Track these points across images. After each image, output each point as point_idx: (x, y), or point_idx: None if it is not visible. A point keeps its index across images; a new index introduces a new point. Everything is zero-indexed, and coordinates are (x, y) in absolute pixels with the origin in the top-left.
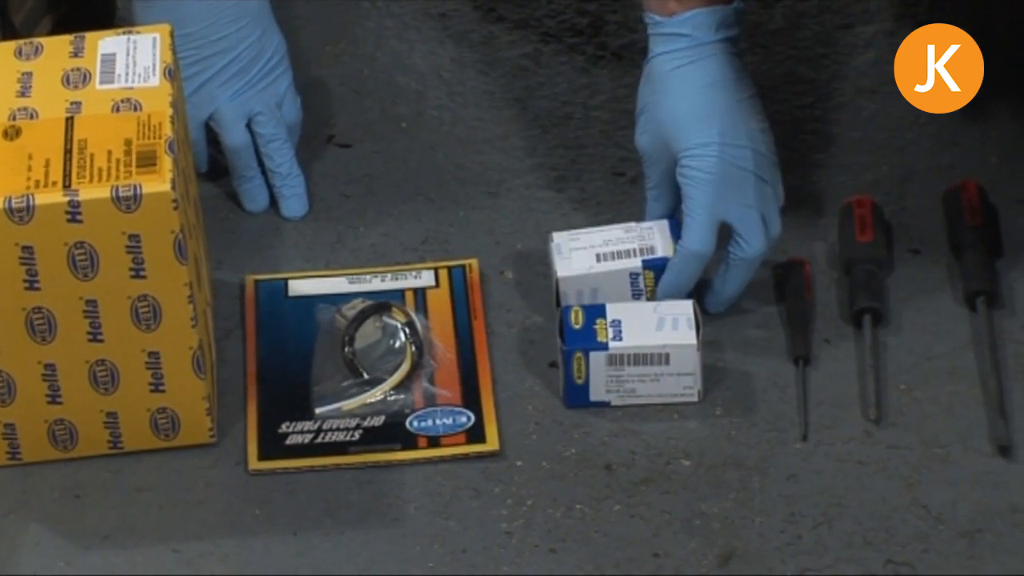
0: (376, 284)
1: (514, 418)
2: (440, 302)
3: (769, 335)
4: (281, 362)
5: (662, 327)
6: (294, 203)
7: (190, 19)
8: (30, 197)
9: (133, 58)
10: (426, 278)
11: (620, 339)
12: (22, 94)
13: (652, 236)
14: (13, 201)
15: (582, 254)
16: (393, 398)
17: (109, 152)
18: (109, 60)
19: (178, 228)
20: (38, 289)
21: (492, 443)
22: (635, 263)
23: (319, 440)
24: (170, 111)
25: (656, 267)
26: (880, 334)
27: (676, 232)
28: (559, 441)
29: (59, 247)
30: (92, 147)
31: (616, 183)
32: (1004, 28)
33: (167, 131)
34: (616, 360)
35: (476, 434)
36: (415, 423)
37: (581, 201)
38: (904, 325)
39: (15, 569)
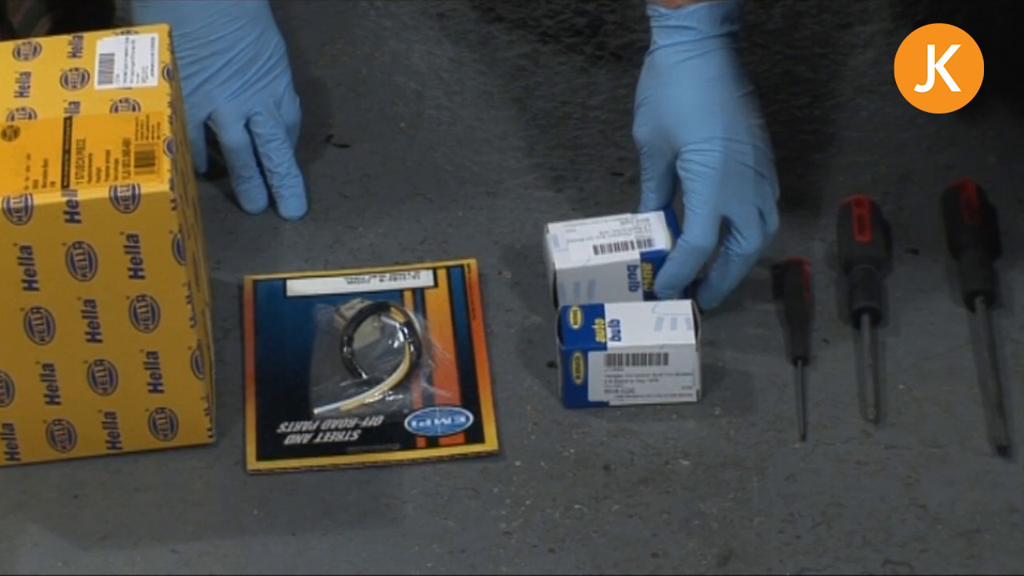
0: (375, 284)
1: (513, 418)
2: (439, 302)
3: (768, 335)
4: (280, 362)
5: (661, 327)
6: (293, 203)
7: (188, 19)
8: (29, 197)
9: (131, 58)
10: (425, 278)
11: (619, 339)
12: (20, 94)
13: (649, 228)
14: (12, 201)
15: (579, 246)
16: (392, 398)
17: (107, 152)
18: (107, 60)
19: (176, 228)
20: (36, 289)
21: (491, 443)
22: (633, 255)
23: (318, 440)
24: (168, 111)
25: (654, 259)
26: (879, 334)
27: (673, 223)
28: (558, 441)
29: (57, 247)
30: (90, 147)
31: (615, 183)
32: (1002, 28)
33: (165, 131)
34: (615, 360)
35: (475, 434)
36: (414, 423)
37: (580, 201)
38: (903, 325)
39: (14, 569)
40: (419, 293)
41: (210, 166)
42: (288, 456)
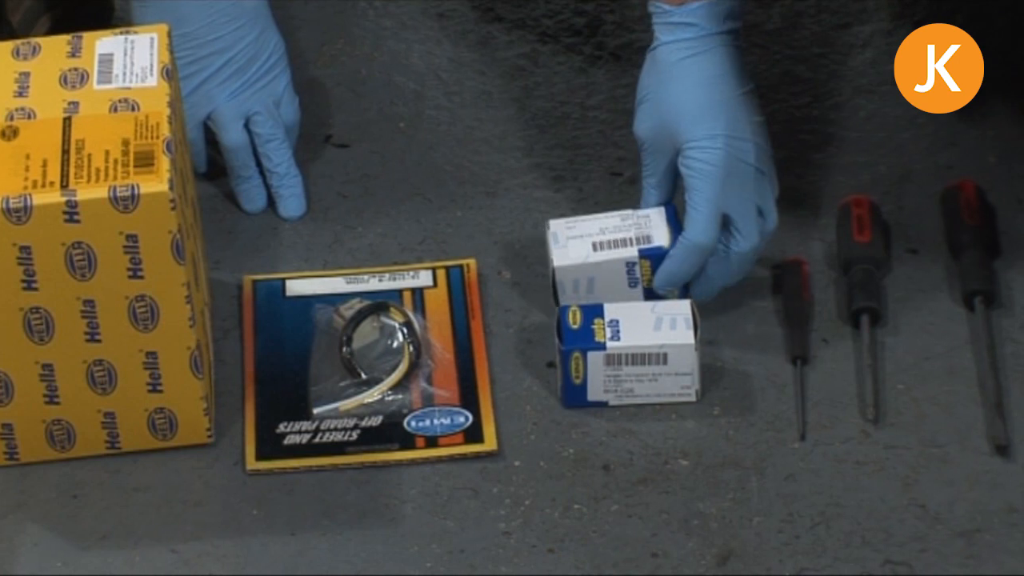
0: (374, 284)
1: (512, 418)
2: (438, 302)
3: (767, 335)
4: (279, 362)
5: (660, 327)
6: (292, 203)
7: (188, 19)
8: (28, 197)
9: (131, 58)
10: (424, 278)
11: (618, 339)
12: (19, 94)
13: (649, 224)
14: (11, 201)
15: (578, 243)
16: (391, 398)
17: (107, 152)
18: (107, 60)
19: (176, 228)
20: (36, 289)
21: (490, 443)
22: (632, 252)
23: (317, 440)
24: (168, 111)
25: (653, 256)
26: (878, 334)
27: (673, 220)
28: (557, 441)
29: (57, 247)
30: (90, 147)
31: (614, 183)
32: (1002, 28)
33: (165, 131)
34: (614, 360)
35: (474, 434)
36: (413, 423)
37: (579, 201)
38: (902, 325)
39: (13, 569)
40: (418, 293)
41: (209, 166)
42: (287, 456)
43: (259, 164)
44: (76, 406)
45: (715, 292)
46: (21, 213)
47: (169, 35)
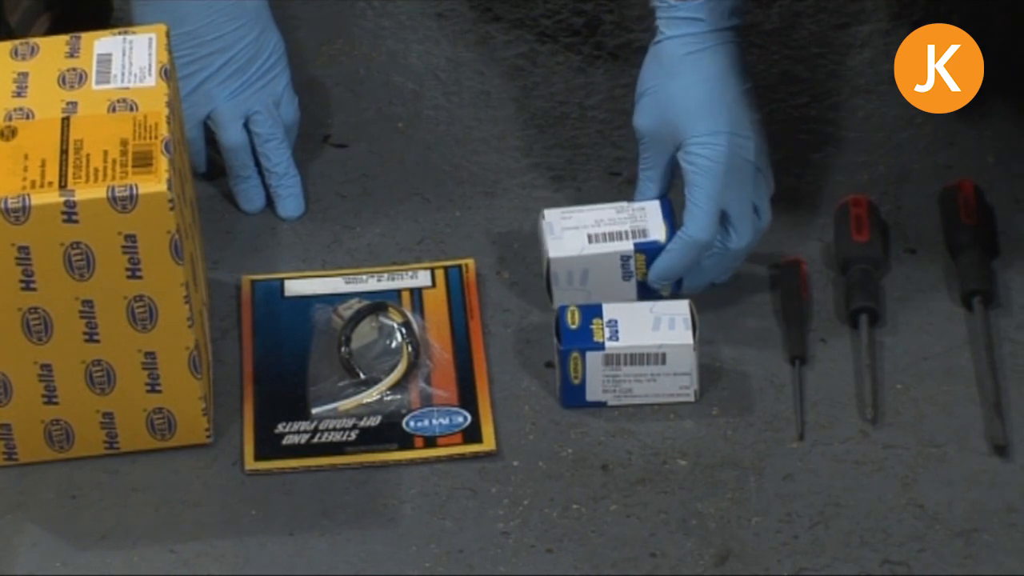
0: (372, 284)
1: (511, 418)
2: (436, 302)
3: (765, 335)
4: (277, 362)
5: (658, 327)
6: (291, 203)
7: (187, 18)
8: (26, 197)
9: (129, 58)
10: (422, 278)
11: (616, 339)
12: (18, 94)
13: (644, 218)
14: (9, 201)
15: (573, 234)
16: (389, 398)
17: (105, 152)
18: (105, 60)
19: (174, 228)
20: (34, 289)
21: (488, 443)
22: (627, 245)
23: (315, 440)
24: (166, 111)
25: (648, 250)
26: (876, 333)
27: (668, 214)
28: (555, 441)
29: (55, 247)
30: (88, 147)
31: (612, 183)
32: (1002, 28)
33: (163, 131)
34: (612, 360)
35: (472, 434)
36: (411, 423)
37: (577, 200)
38: (900, 325)
39: (12, 569)
40: (417, 293)
41: (208, 166)
42: (286, 456)
43: (258, 164)
44: (75, 406)
45: (705, 285)
46: (19, 213)
47: (168, 35)
